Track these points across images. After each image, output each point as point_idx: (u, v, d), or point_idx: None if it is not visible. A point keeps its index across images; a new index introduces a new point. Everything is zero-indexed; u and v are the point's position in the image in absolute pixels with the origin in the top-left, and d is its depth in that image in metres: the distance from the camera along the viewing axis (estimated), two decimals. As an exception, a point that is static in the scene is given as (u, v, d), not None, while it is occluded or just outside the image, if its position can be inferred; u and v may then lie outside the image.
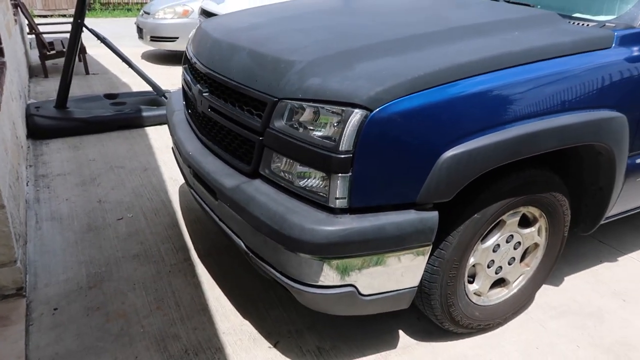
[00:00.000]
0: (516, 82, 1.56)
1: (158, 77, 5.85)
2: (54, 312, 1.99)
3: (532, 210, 1.84)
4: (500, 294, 1.96)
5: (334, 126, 1.44)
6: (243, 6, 4.51)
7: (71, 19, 4.13)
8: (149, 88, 4.66)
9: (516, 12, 1.97)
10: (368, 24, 1.93)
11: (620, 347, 1.93)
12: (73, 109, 4.16)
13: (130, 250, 2.43)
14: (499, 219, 1.75)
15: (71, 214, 2.75)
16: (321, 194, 1.49)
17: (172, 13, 6.51)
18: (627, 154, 1.86)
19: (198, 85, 2.00)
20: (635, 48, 1.80)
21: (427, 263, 1.65)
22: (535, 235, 1.91)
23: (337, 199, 1.46)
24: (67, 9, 12.20)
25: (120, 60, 4.51)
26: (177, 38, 6.46)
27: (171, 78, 5.92)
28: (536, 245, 1.96)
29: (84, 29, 4.15)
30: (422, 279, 1.67)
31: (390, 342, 1.91)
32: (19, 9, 6.02)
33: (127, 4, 13.43)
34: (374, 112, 1.40)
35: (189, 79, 2.19)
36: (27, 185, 3.06)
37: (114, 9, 13.15)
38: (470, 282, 1.86)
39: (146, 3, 12.51)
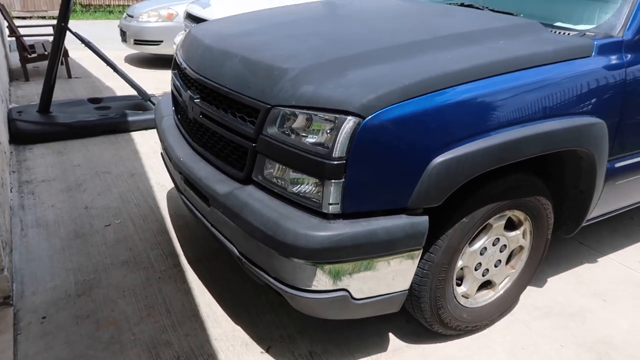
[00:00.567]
0: (502, 90, 1.61)
1: (142, 81, 5.80)
2: (43, 320, 1.97)
3: (517, 214, 1.90)
4: (487, 296, 2.01)
5: (327, 133, 1.47)
6: (229, 10, 4.52)
7: (50, 21, 4.09)
8: (133, 92, 4.62)
9: (501, 21, 2.03)
10: (359, 31, 1.96)
11: (602, 345, 2.00)
12: (57, 113, 4.11)
13: (119, 256, 2.41)
14: (485, 223, 1.80)
15: (57, 220, 2.71)
16: (314, 199, 1.52)
17: (157, 16, 6.47)
18: (607, 158, 1.93)
19: (189, 92, 2.01)
20: (614, 56, 1.87)
21: (417, 267, 1.68)
22: (520, 238, 1.97)
23: (330, 204, 1.49)
24: (46, 11, 11.99)
25: (104, 64, 4.46)
26: (162, 42, 6.41)
27: (156, 82, 5.87)
28: (521, 247, 2.01)
29: (67, 32, 4.10)
30: (412, 282, 1.71)
31: (381, 345, 1.94)
32: (-2, 11, 5.90)
33: (109, 6, 13.26)
34: (367, 119, 1.43)
35: (179, 84, 2.19)
36: (11, 191, 3.01)
37: (95, 11, 12.97)
38: (459, 285, 1.90)
39: (129, 5, 12.39)
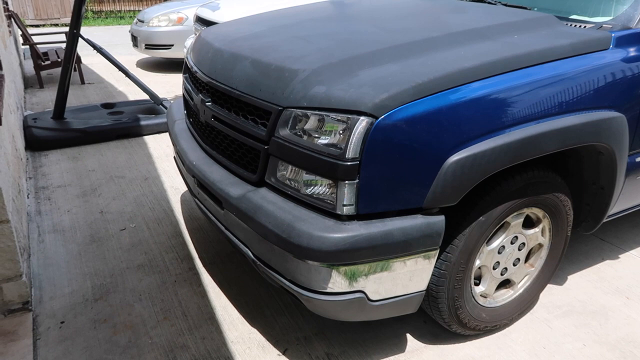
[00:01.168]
0: (518, 86, 1.58)
1: (154, 85, 5.86)
2: (61, 325, 1.99)
3: (535, 211, 1.86)
4: (506, 295, 1.97)
5: (340, 134, 1.45)
6: (239, 13, 4.53)
7: (63, 28, 4.15)
8: (145, 96, 4.66)
9: (514, 16, 1.99)
10: (368, 30, 1.94)
11: (626, 344, 1.95)
12: (71, 119, 4.16)
13: (135, 260, 2.43)
14: (503, 221, 1.76)
15: (73, 225, 2.74)
16: (328, 201, 1.50)
17: (167, 20, 6.52)
18: (627, 152, 1.88)
19: (200, 95, 2.01)
20: (632, 49, 1.82)
21: (434, 267, 1.66)
22: (539, 235, 1.93)
23: (344, 205, 1.47)
24: (59, 18, 12.18)
25: (116, 69, 4.52)
26: (172, 45, 6.46)
27: (167, 86, 5.92)
28: (540, 245, 1.97)
29: (79, 39, 4.15)
30: (429, 282, 1.68)
31: (399, 346, 1.92)
32: (12, 19, 6.00)
33: (120, 12, 13.42)
34: (380, 119, 1.41)
35: (190, 88, 2.20)
36: (28, 197, 3.05)
37: (106, 17, 13.14)
38: (477, 284, 1.87)
39: (139, 11, 12.52)
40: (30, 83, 5.91)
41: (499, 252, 1.84)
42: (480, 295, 1.88)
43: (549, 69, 1.66)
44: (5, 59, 3.58)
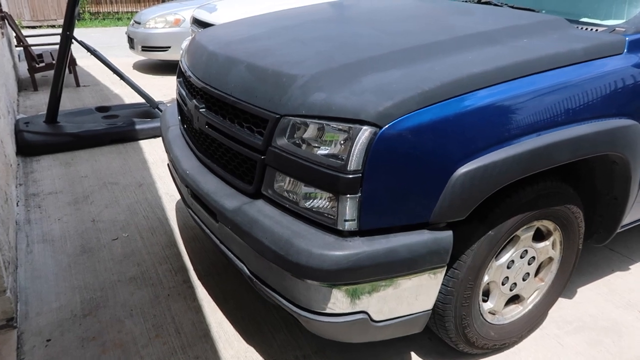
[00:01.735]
0: (528, 93, 1.49)
1: (150, 88, 5.76)
2: (47, 343, 1.89)
3: (546, 224, 1.77)
4: (515, 311, 1.88)
5: (341, 144, 1.36)
6: (236, 14, 4.44)
7: (60, 30, 4.04)
8: (141, 100, 4.57)
9: (523, 18, 1.90)
10: (369, 33, 1.85)
11: (640, 363, 1.86)
12: (64, 123, 4.06)
13: (127, 272, 2.33)
14: (513, 235, 1.67)
15: (64, 235, 2.64)
16: (329, 215, 1.41)
17: (163, 22, 6.42)
18: (643, 162, 1.79)
19: (194, 101, 1.91)
20: (647, 53, 1.74)
21: (441, 284, 1.57)
22: (549, 249, 1.84)
23: (346, 221, 1.38)
24: (55, 19, 12.07)
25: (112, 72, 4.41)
26: (169, 47, 6.37)
27: (164, 89, 5.82)
28: (550, 259, 1.88)
29: (73, 41, 4.05)
30: (435, 301, 1.59)
31: (402, 365, 1.83)
32: (5, 21, 5.90)
33: (117, 13, 13.32)
34: (384, 128, 1.32)
35: (184, 93, 2.10)
36: (17, 205, 2.95)
37: (103, 19, 13.04)
38: (485, 301, 1.78)
39: (136, 12, 12.41)
40: (25, 85, 5.81)
41: (508, 267, 1.75)
42: (489, 312, 1.79)
43: (561, 75, 1.57)
44: (-4, 61, 3.48)
